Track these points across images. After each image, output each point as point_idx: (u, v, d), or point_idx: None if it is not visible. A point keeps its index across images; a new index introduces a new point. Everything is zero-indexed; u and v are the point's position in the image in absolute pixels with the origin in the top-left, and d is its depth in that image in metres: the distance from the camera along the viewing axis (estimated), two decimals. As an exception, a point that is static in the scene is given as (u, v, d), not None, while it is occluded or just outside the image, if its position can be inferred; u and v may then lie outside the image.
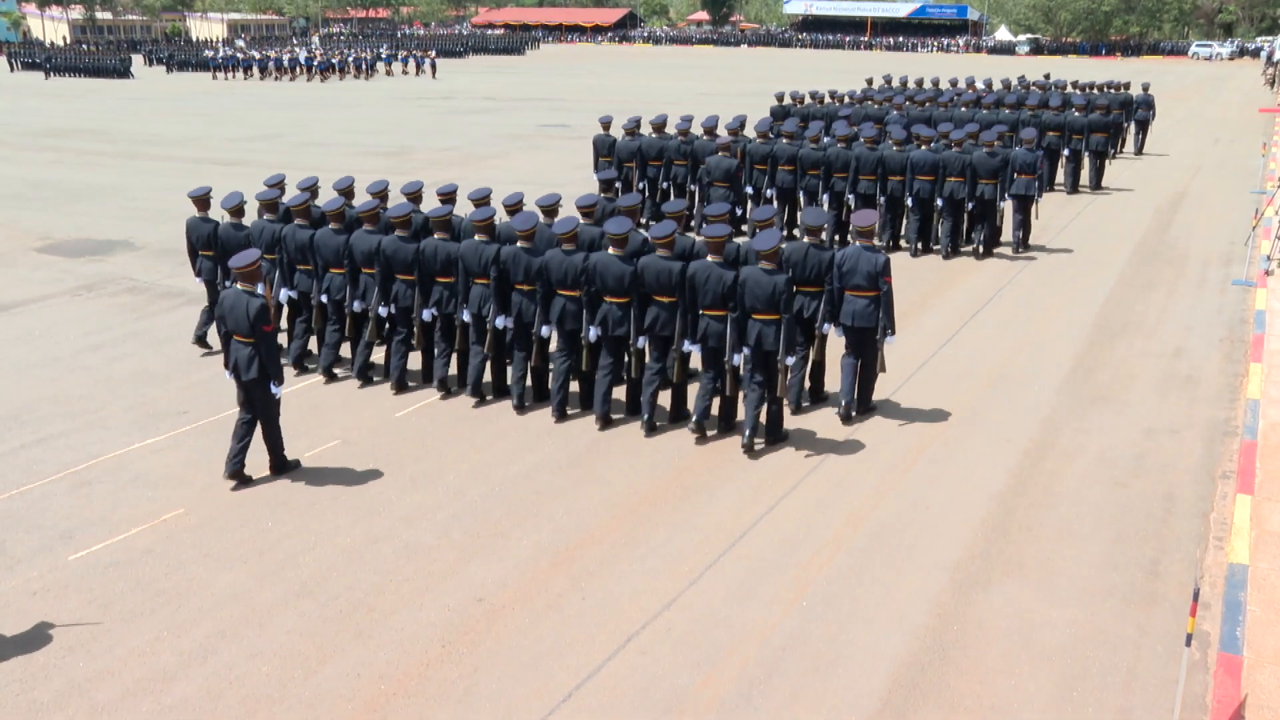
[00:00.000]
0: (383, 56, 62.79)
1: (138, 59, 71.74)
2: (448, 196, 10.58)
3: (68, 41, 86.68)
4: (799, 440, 9.05)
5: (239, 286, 8.13)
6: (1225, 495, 8.01)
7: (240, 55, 60.71)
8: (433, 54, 62.74)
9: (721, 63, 71.77)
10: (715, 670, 5.97)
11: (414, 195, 10.79)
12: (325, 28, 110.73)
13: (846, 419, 9.43)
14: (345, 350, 11.05)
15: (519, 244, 9.37)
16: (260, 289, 8.18)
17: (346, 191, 10.95)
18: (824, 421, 9.45)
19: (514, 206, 10.47)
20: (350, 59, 59.24)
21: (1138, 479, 8.31)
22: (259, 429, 8.35)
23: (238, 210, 10.85)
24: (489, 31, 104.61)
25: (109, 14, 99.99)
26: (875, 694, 5.76)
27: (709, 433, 9.16)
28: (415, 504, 7.93)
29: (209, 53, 65.22)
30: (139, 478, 8.37)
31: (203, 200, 11.01)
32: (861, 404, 9.61)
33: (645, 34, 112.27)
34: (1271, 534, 7.31)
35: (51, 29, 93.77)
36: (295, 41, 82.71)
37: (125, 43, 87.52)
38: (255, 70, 57.91)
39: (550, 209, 10.23)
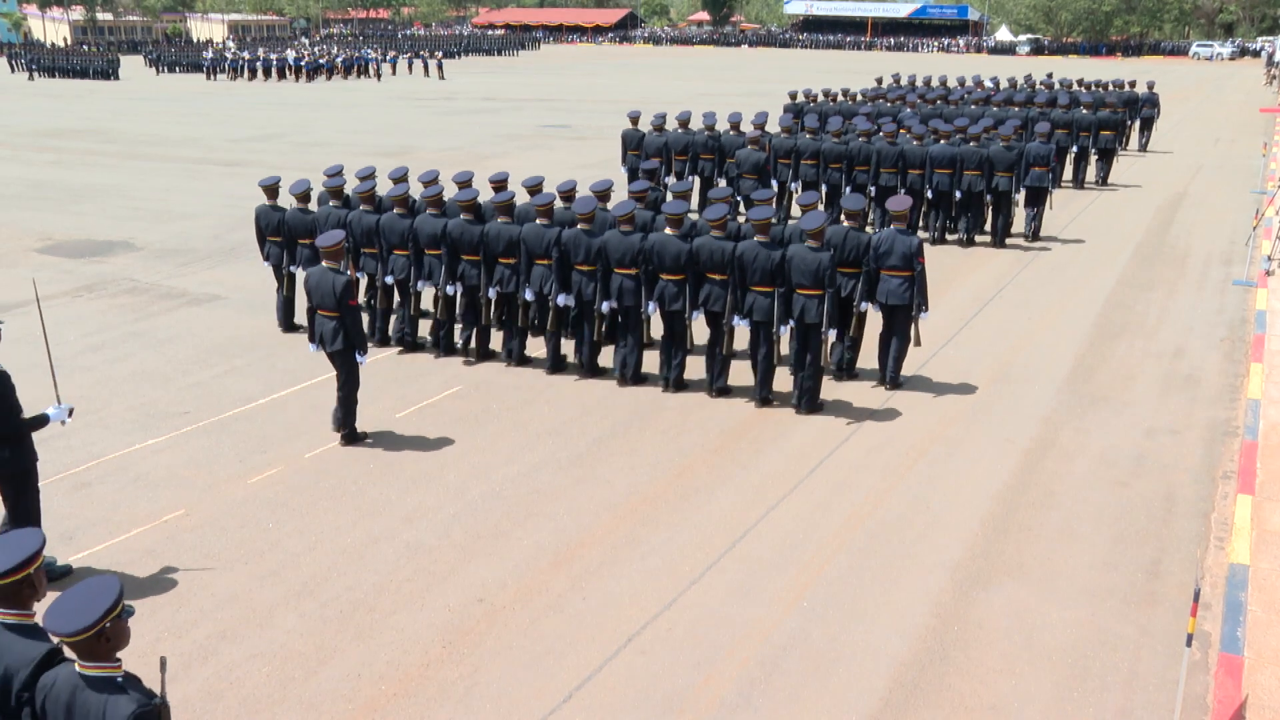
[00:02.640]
0: (370, 57, 62.46)
1: (137, 60, 71.61)
2: (500, 184, 11.17)
3: (69, 42, 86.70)
4: (800, 438, 9.05)
5: (324, 264, 8.71)
6: (1226, 495, 8.01)
7: (229, 56, 60.53)
8: (439, 55, 62.53)
9: (722, 63, 71.77)
10: (715, 670, 5.97)
11: (465, 183, 11.25)
12: (326, 28, 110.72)
13: (885, 389, 10.16)
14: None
15: (579, 226, 9.98)
16: (344, 266, 8.78)
17: (403, 179, 11.44)
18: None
19: (568, 193, 11.04)
20: (339, 60, 59.11)
21: (1138, 479, 8.30)
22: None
23: (304, 196, 11.34)
24: (489, 32, 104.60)
25: (109, 15, 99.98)
26: (876, 694, 5.76)
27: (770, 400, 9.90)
28: (415, 504, 7.93)
29: (206, 54, 65.02)
30: (140, 478, 8.38)
31: (272, 189, 11.50)
32: (892, 378, 10.22)
33: (646, 34, 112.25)
34: (1272, 534, 7.31)
35: (52, 30, 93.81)
36: (298, 42, 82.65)
37: (126, 44, 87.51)
38: (244, 71, 57.66)
39: (604, 194, 10.88)
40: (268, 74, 56.58)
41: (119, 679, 3.55)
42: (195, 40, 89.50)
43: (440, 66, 58.66)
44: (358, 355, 8.73)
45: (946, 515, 7.71)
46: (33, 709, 3.64)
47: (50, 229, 17.72)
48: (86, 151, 27.47)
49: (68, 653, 3.67)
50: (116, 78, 57.16)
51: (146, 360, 11.18)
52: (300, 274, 11.49)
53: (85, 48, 74.36)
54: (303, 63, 56.95)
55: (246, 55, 60.37)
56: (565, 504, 7.92)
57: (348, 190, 11.70)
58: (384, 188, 12.49)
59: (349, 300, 8.57)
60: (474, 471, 8.48)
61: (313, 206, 11.80)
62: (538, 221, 10.15)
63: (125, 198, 20.77)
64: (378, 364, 10.93)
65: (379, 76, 57.27)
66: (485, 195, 11.89)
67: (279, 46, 70.36)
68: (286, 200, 11.79)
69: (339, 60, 58.92)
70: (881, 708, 5.65)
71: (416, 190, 12.21)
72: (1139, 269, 14.93)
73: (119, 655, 3.59)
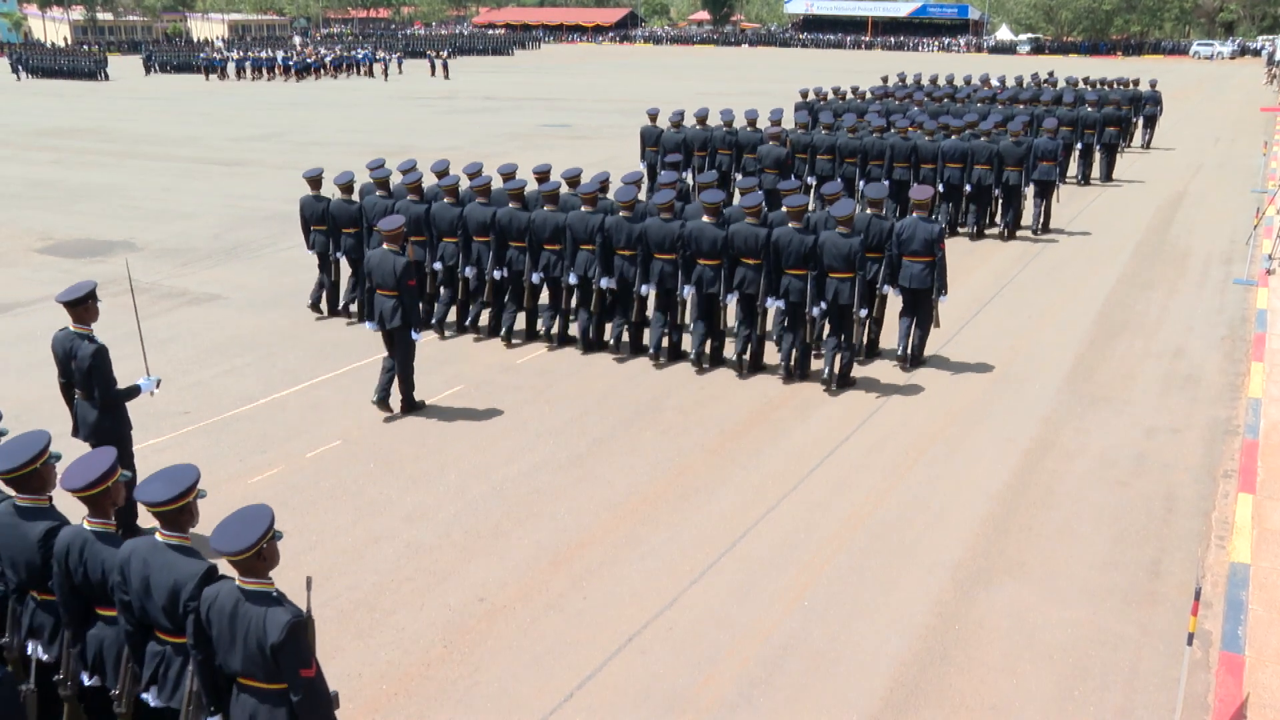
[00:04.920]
0: (360, 56, 62.29)
1: (133, 60, 71.31)
2: (543, 175, 11.90)
3: (69, 42, 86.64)
4: (800, 438, 9.05)
5: (385, 246, 9.24)
6: (1227, 494, 8.00)
7: (218, 56, 60.49)
8: (445, 54, 62.28)
9: (722, 62, 71.74)
10: (716, 670, 5.97)
11: (510, 174, 11.85)
12: (326, 28, 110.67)
13: (905, 369, 10.66)
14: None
15: (621, 213, 10.61)
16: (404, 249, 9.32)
17: (445, 172, 12.02)
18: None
19: (603, 183, 11.57)
20: (328, 59, 59.01)
21: (1139, 478, 8.30)
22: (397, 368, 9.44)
23: (348, 187, 11.89)
24: (490, 31, 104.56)
25: (110, 15, 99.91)
26: (876, 693, 5.76)
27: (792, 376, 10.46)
28: (416, 503, 7.93)
29: (203, 54, 64.84)
30: (140, 478, 8.36)
31: (315, 180, 12.03)
32: (915, 358, 10.72)
33: (646, 34, 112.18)
34: (1273, 533, 7.30)
35: (53, 30, 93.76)
36: (288, 41, 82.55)
37: (126, 43, 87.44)
38: (230, 70, 57.48)
39: (636, 184, 11.57)
40: (258, 73, 56.38)
41: (274, 594, 4.10)
42: (195, 40, 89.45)
43: (446, 66, 58.50)
44: (414, 333, 9.23)
45: (947, 515, 7.71)
46: (197, 617, 4.16)
47: (50, 228, 17.72)
48: (86, 151, 27.46)
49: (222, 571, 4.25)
50: (105, 78, 56.15)
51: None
52: (345, 261, 12.23)
53: (85, 47, 74.20)
54: (291, 62, 56.82)
55: (234, 55, 60.21)
56: (565, 504, 7.92)
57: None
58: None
59: (408, 280, 9.05)
60: (474, 471, 8.48)
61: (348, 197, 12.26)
62: (582, 209, 10.72)
63: (125, 197, 20.77)
64: (379, 362, 10.92)
65: (386, 75, 57.04)
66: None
67: (267, 46, 70.07)
68: (328, 190, 12.22)
69: (328, 60, 58.80)
70: (882, 707, 5.65)
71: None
72: (1139, 268, 14.93)
73: (270, 574, 4.12)
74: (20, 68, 58.68)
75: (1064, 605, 6.55)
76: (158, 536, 4.36)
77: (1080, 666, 5.97)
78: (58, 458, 4.85)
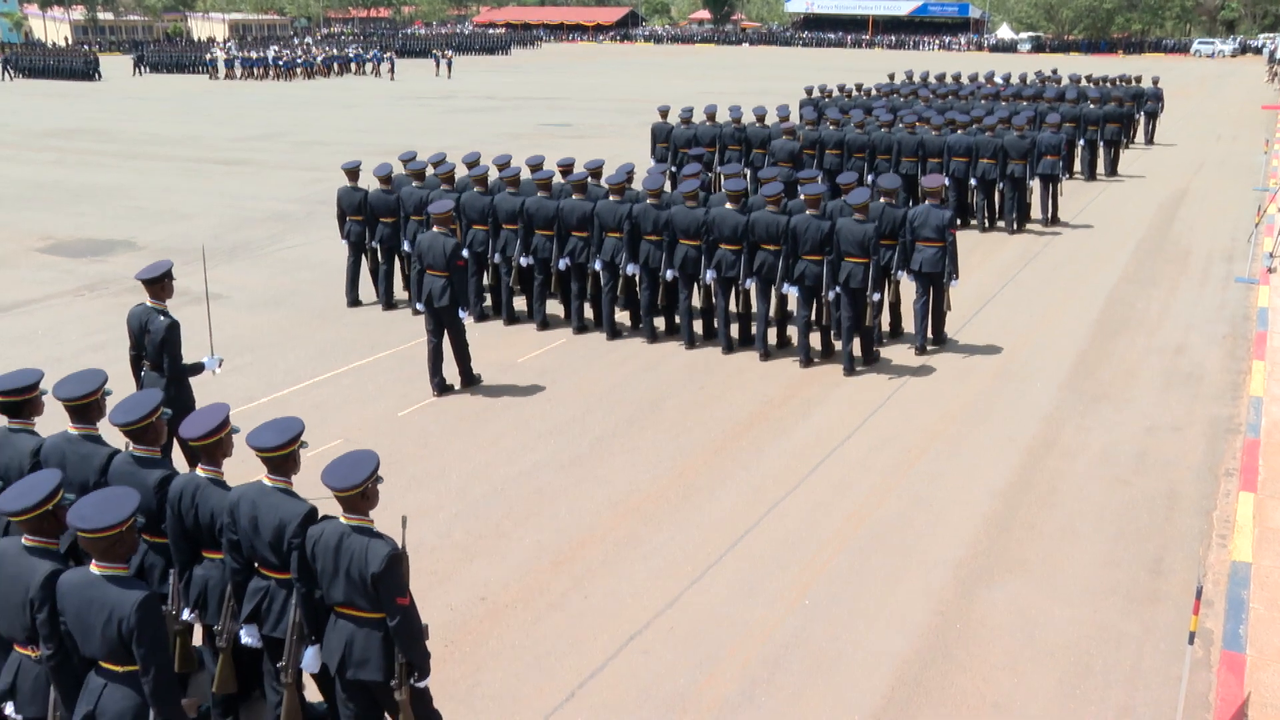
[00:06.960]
0: (352, 56, 62.24)
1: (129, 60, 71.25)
2: (567, 168, 12.59)
3: (69, 42, 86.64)
4: (801, 437, 9.05)
5: (435, 229, 9.68)
6: (1228, 493, 8.00)
7: (208, 57, 60.61)
8: (449, 53, 62.15)
9: (723, 61, 71.69)
10: (718, 669, 5.96)
11: (538, 165, 12.51)
12: (326, 27, 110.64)
13: (921, 351, 11.07)
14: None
15: (648, 201, 11.09)
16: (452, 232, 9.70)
17: (476, 163, 12.61)
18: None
19: (629, 174, 12.04)
20: (319, 59, 59.01)
21: (1140, 477, 8.29)
22: (448, 349, 9.90)
23: (387, 178, 12.39)
24: (490, 31, 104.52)
25: (110, 14, 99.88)
26: (878, 692, 5.76)
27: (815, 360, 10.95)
28: (417, 503, 7.92)
29: (209, 54, 64.89)
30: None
31: (353, 172, 12.55)
32: (935, 337, 11.25)
33: (646, 33, 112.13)
34: (1274, 531, 7.30)
35: (53, 30, 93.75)
36: (299, 40, 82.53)
37: (126, 43, 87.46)
38: (222, 69, 57.51)
39: (661, 173, 12.17)
40: (249, 72, 56.30)
41: (373, 529, 4.50)
42: (196, 40, 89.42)
43: (450, 65, 58.35)
44: (461, 311, 9.66)
45: (948, 513, 7.71)
46: (302, 552, 4.58)
47: (51, 229, 17.73)
48: (87, 151, 27.46)
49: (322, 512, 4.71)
50: (97, 78, 55.49)
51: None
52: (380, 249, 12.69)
53: (84, 48, 74.13)
54: (280, 61, 56.77)
55: (223, 54, 60.35)
56: (566, 503, 7.92)
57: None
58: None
59: (457, 261, 9.50)
60: (475, 471, 8.48)
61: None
62: (610, 198, 11.21)
63: (126, 197, 20.77)
64: (380, 361, 10.94)
65: (393, 75, 56.92)
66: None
67: (258, 46, 70.01)
68: (365, 182, 12.60)
69: (319, 60, 58.76)
70: (884, 705, 5.65)
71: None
72: (1141, 265, 14.92)
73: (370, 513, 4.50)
74: (9, 68, 58.37)
75: (1066, 603, 6.55)
76: (264, 481, 4.76)
77: (1082, 664, 5.97)
78: (169, 415, 5.38)
